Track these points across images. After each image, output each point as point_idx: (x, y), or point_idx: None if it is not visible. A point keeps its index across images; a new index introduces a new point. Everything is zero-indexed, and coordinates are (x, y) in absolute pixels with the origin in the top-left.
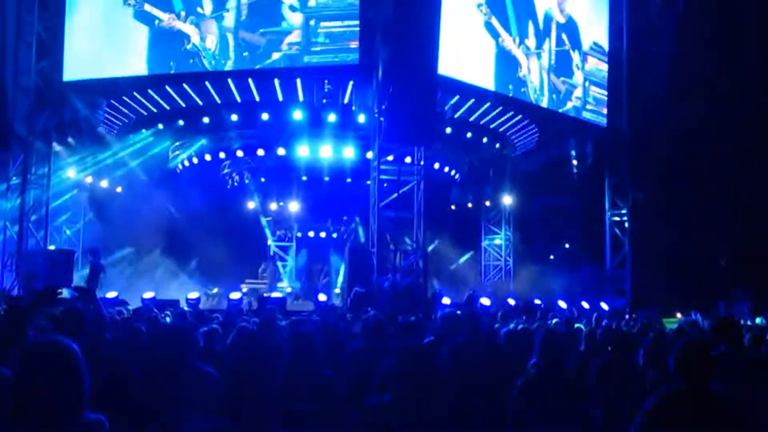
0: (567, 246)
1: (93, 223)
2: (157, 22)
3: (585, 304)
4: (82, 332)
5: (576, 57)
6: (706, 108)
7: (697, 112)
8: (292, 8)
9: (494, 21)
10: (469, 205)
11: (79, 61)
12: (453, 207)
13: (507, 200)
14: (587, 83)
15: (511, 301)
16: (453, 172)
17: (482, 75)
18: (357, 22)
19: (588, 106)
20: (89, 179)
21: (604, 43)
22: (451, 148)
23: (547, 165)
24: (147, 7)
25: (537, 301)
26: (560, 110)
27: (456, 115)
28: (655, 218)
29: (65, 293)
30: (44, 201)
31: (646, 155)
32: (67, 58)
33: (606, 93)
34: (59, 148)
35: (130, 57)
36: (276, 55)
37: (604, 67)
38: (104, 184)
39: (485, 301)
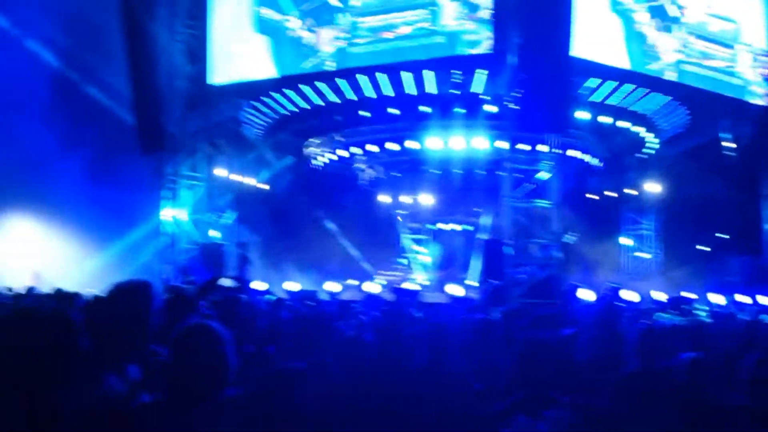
0: (720, 236)
1: (241, 218)
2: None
3: (741, 298)
4: (237, 319)
5: (673, 9)
6: None
7: None
8: (341, 9)
9: None
10: (610, 193)
11: (221, 65)
12: (592, 196)
13: (653, 187)
14: (691, 37)
15: (657, 295)
16: (592, 159)
17: (616, 54)
18: (391, 15)
19: (690, 59)
20: (237, 177)
21: None
22: (589, 134)
23: (698, 149)
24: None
25: (688, 295)
26: (652, 66)
27: (594, 99)
28: None
29: (227, 283)
30: (197, 198)
31: None
32: (211, 62)
33: (714, 47)
34: (210, 149)
35: (262, 60)
36: (329, 49)
37: (708, 19)
38: (251, 181)
39: (628, 294)
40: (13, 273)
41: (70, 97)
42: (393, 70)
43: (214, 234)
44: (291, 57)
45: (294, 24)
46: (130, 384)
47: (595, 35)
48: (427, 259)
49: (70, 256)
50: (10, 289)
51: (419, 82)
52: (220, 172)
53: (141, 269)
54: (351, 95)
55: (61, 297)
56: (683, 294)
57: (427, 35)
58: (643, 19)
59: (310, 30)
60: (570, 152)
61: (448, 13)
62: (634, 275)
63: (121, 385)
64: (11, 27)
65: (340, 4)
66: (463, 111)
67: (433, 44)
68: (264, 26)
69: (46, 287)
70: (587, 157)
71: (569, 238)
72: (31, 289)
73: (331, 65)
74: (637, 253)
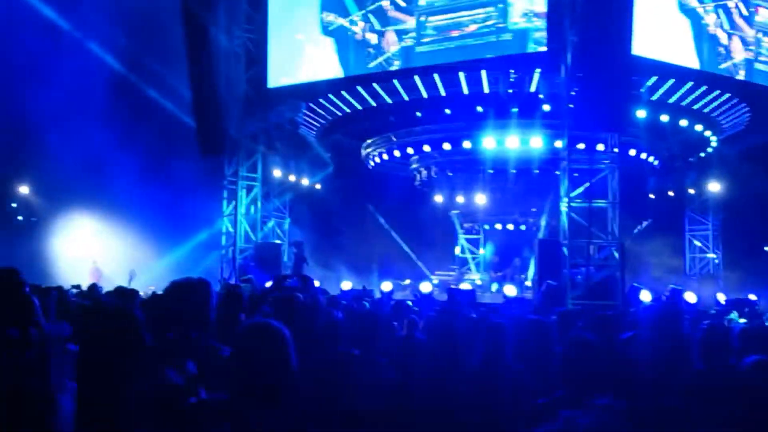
0: None
1: (296, 218)
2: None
3: None
4: (295, 317)
5: (742, 8)
6: None
7: None
8: (406, 9)
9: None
10: (670, 193)
11: (280, 68)
12: (652, 196)
13: (714, 187)
14: (760, 34)
15: (721, 297)
16: (651, 159)
17: (684, 54)
18: (458, 14)
19: (761, 57)
20: (293, 178)
21: None
22: (648, 132)
23: (761, 146)
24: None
25: (751, 297)
26: (722, 65)
27: (653, 98)
28: None
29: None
30: (253, 199)
31: None
32: (270, 66)
33: None
34: (267, 150)
35: (325, 62)
36: (394, 48)
37: None
38: (305, 182)
39: (690, 296)
40: (76, 270)
41: (132, 98)
42: (462, 70)
43: (271, 234)
44: (357, 57)
45: (359, 26)
46: (187, 378)
47: (661, 34)
48: (482, 259)
49: (129, 254)
50: (77, 287)
51: (476, 81)
52: (276, 172)
53: (199, 267)
54: (404, 96)
55: (121, 294)
56: (749, 296)
57: (495, 33)
58: (712, 18)
59: (374, 31)
60: (629, 151)
61: (517, 11)
62: (696, 276)
63: (180, 379)
64: (73, 29)
65: (404, 4)
66: (517, 110)
67: (500, 42)
68: (329, 28)
69: (106, 284)
70: (646, 156)
71: (640, 227)
72: (94, 287)
73: (397, 65)
74: (698, 254)
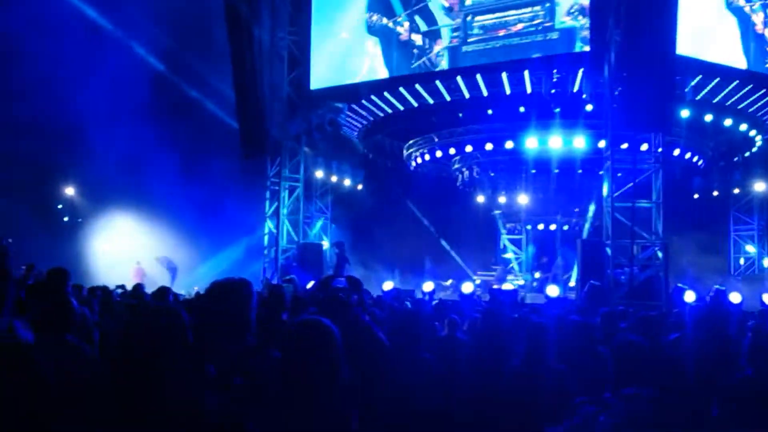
0: None
1: (338, 218)
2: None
3: None
4: (338, 316)
5: None
6: None
7: None
8: (451, 8)
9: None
10: (715, 193)
11: (323, 69)
12: (696, 195)
13: (759, 186)
14: None
15: (766, 298)
16: (695, 159)
17: (730, 53)
18: (505, 14)
19: None
20: (334, 178)
21: None
22: (692, 132)
23: None
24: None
25: None
26: None
27: (698, 97)
28: None
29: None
30: (297, 199)
31: None
32: (313, 67)
33: None
34: (309, 151)
35: (369, 62)
36: (439, 47)
37: None
38: (347, 182)
39: (735, 297)
40: (119, 270)
41: (174, 98)
42: (505, 70)
43: (313, 234)
44: (400, 57)
45: (404, 26)
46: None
47: (707, 34)
48: (525, 259)
49: (172, 254)
50: (121, 287)
51: (519, 81)
52: (317, 173)
53: (245, 273)
54: (447, 96)
55: (162, 294)
56: None
57: (542, 32)
58: (760, 18)
59: (419, 32)
60: (673, 151)
61: (564, 8)
62: (741, 277)
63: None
64: (116, 29)
65: (447, 3)
66: (559, 110)
67: (547, 41)
68: (373, 28)
69: (149, 284)
70: (690, 156)
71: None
72: (139, 287)
73: (443, 65)
74: (743, 254)
